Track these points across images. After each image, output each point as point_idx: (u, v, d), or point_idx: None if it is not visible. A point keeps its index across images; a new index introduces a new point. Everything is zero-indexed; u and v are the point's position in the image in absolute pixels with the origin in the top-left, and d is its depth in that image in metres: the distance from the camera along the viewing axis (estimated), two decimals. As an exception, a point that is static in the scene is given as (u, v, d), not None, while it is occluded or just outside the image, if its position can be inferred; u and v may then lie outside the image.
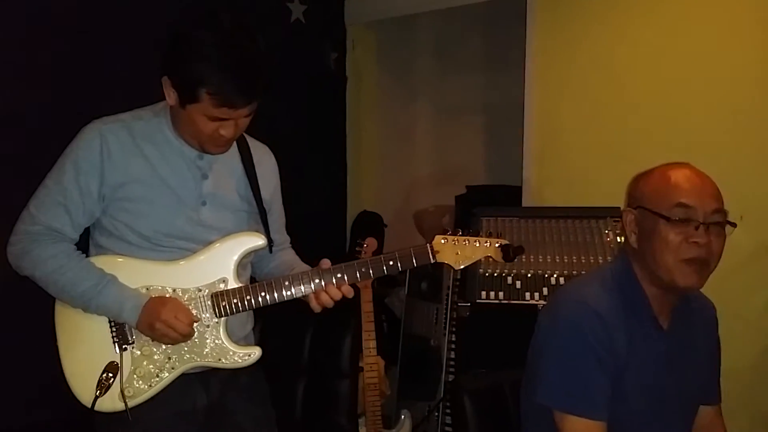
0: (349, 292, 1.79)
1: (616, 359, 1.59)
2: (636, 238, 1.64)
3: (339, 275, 1.77)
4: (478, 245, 1.81)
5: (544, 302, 2.47)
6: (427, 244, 1.79)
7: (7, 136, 2.56)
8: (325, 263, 1.80)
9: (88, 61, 2.76)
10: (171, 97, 1.68)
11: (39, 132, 2.57)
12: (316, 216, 3.54)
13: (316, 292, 1.77)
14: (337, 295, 1.77)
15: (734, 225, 1.60)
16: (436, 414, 3.28)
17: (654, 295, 1.64)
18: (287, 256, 2.02)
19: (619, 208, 2.71)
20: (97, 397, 1.69)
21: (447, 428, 3.24)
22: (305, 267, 1.89)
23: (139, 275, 1.73)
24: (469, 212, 2.89)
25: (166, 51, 1.67)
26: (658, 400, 1.65)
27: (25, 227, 1.72)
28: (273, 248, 1.96)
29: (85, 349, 1.74)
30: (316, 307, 1.79)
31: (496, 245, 1.80)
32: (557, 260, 2.60)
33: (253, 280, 1.92)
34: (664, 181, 1.60)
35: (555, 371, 1.61)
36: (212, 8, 1.69)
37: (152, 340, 1.73)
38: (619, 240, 2.66)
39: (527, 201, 3.41)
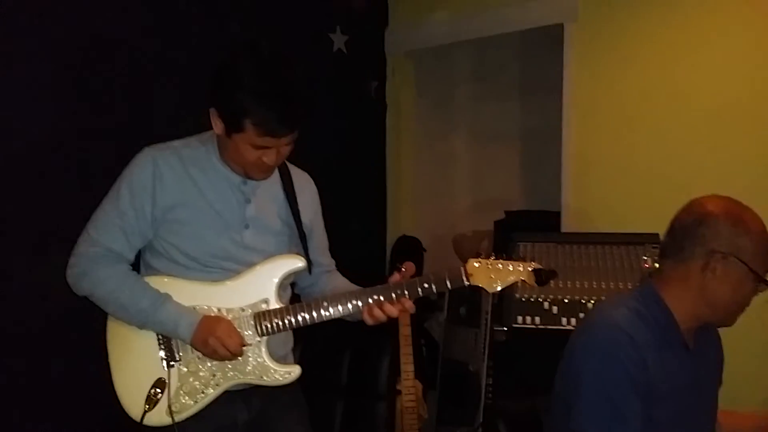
0: (392, 312, 1.82)
1: (649, 381, 1.60)
2: (711, 278, 1.62)
3: (376, 297, 1.82)
4: (511, 269, 1.83)
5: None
6: (461, 267, 1.83)
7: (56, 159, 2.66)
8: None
9: (137, 90, 2.86)
10: (218, 126, 1.77)
11: (88, 157, 2.67)
12: (357, 240, 3.59)
13: (368, 306, 1.82)
14: (392, 312, 1.82)
15: None
16: (475, 438, 3.28)
17: (682, 320, 1.67)
18: (340, 282, 2.05)
19: (657, 234, 2.74)
20: (145, 412, 1.76)
21: (486, 454, 3.24)
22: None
23: (186, 295, 1.81)
24: (508, 237, 2.92)
25: (210, 82, 1.76)
26: (686, 419, 1.66)
27: (84, 249, 1.81)
28: (319, 270, 2.03)
29: (134, 366, 1.82)
30: (368, 320, 1.84)
31: (529, 269, 1.82)
32: (594, 286, 2.60)
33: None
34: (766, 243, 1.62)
35: (589, 396, 1.61)
36: (253, 39, 1.77)
37: (198, 358, 1.80)
38: (657, 267, 2.66)
39: (566, 226, 3.42)
